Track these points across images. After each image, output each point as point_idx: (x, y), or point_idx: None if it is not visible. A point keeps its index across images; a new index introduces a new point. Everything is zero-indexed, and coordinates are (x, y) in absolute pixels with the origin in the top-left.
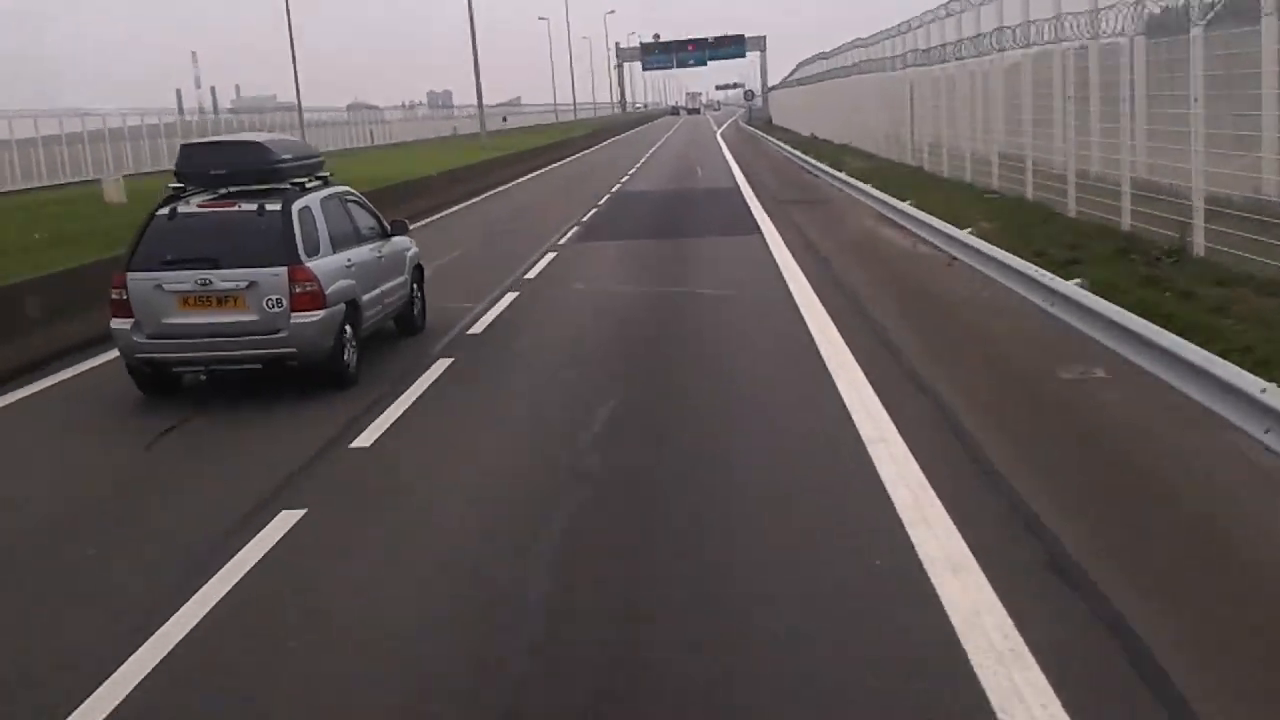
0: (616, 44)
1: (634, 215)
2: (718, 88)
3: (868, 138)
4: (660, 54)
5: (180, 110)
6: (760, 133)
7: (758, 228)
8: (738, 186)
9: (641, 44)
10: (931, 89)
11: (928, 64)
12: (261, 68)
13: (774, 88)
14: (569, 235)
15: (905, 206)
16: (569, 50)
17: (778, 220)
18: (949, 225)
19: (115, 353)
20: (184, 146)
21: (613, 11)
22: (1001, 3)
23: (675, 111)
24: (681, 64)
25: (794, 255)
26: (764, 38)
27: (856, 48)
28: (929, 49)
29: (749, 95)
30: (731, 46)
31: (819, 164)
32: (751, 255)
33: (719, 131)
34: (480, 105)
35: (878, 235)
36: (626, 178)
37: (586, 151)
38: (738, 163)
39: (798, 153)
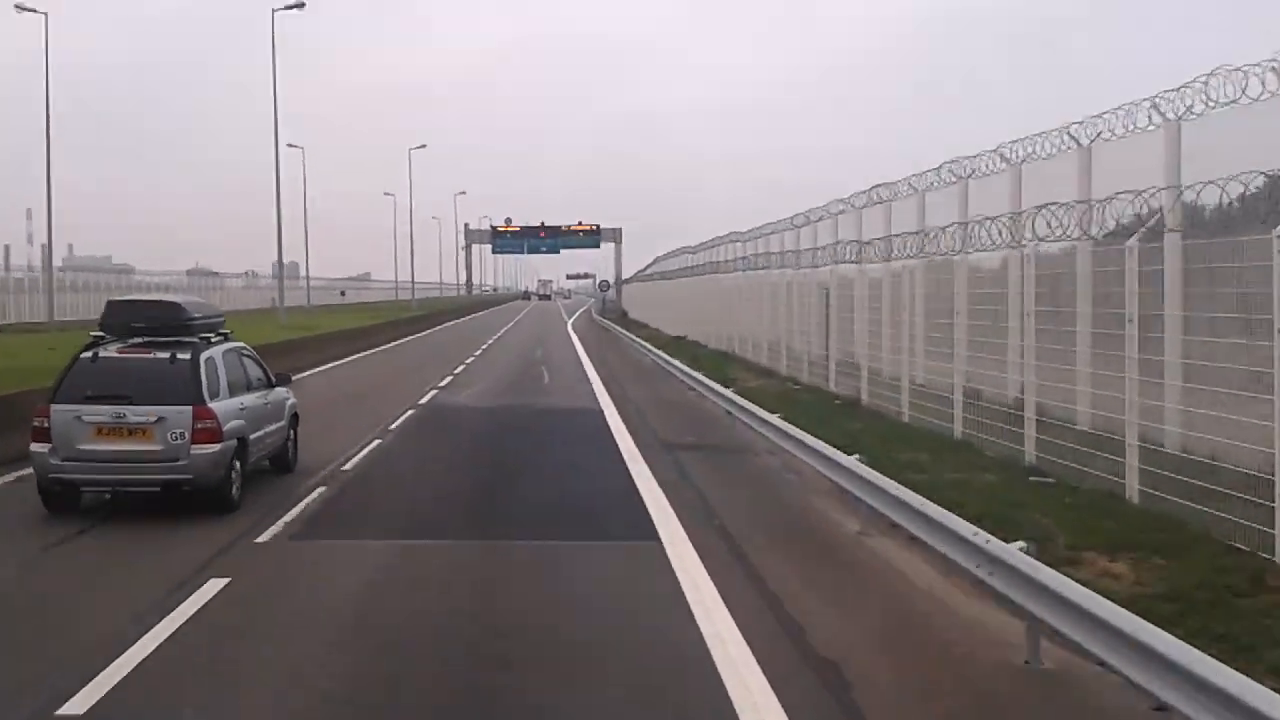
0: (465, 225)
1: (424, 477)
2: (569, 276)
3: (754, 345)
4: (511, 239)
5: (7, 267)
6: (616, 326)
7: (649, 523)
8: (600, 409)
9: (492, 227)
10: (869, 291)
11: (856, 260)
12: (97, 228)
13: (628, 280)
14: (272, 529)
15: (914, 501)
16: (410, 228)
17: (677, 497)
18: (1064, 581)
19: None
20: (110, 303)
21: (463, 192)
22: (966, 185)
23: (526, 296)
24: (533, 250)
25: (758, 658)
26: (619, 230)
27: (732, 241)
28: (868, 241)
29: (604, 286)
30: (586, 236)
31: (708, 381)
32: (663, 652)
33: (570, 322)
34: (280, 278)
35: (896, 571)
36: (445, 382)
37: (411, 338)
38: (596, 369)
39: (671, 360)
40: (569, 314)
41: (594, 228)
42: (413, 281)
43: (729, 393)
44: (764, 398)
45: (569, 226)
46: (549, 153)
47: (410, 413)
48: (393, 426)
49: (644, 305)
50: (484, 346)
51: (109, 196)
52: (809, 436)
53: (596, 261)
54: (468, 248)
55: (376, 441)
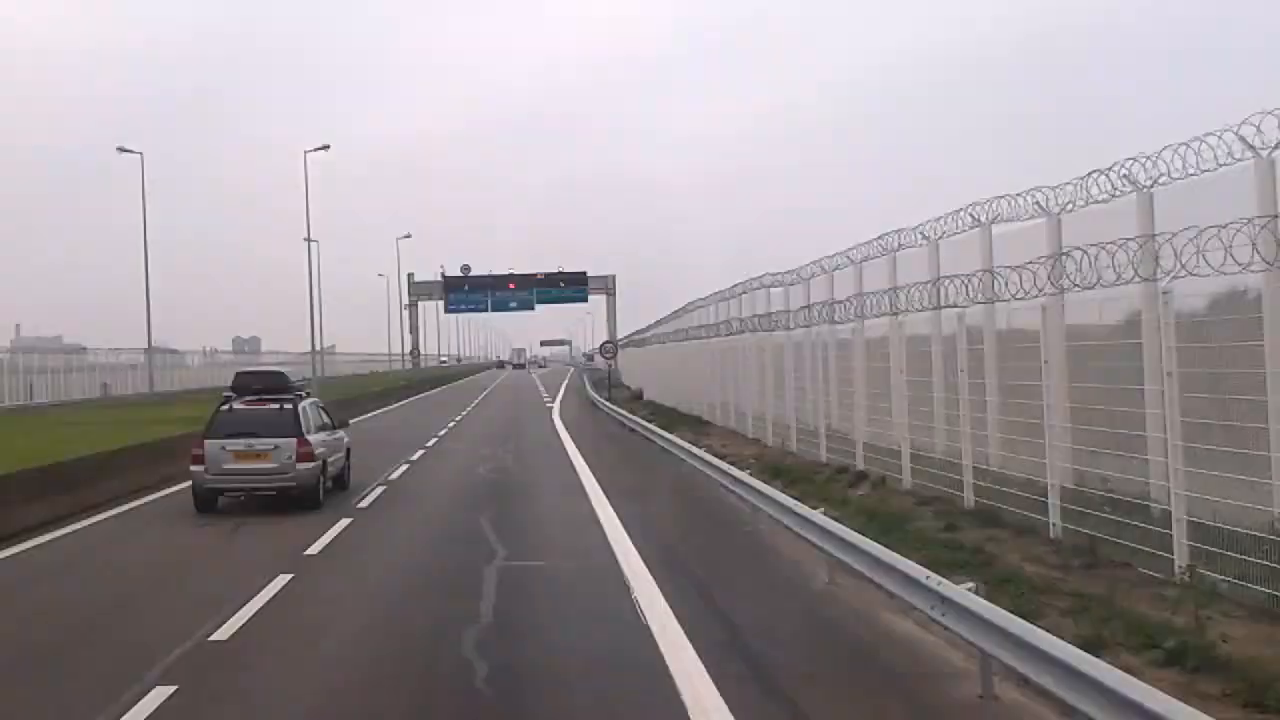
0: (410, 276)
1: None
2: (543, 343)
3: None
4: (470, 292)
5: None
6: (641, 423)
7: None
8: None
9: (444, 276)
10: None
11: None
12: (47, 307)
13: (627, 341)
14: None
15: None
16: (311, 287)
17: None
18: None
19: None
20: (238, 373)
21: (408, 235)
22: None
23: (501, 365)
24: (500, 306)
25: None
26: (612, 277)
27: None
28: None
29: (608, 350)
30: (569, 286)
31: None
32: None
33: (556, 408)
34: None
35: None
36: None
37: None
38: None
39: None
40: (549, 392)
41: (579, 274)
42: (319, 347)
43: None
44: None
45: (545, 274)
46: (504, 214)
47: None
48: None
49: (664, 380)
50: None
51: (59, 275)
52: None
53: (573, 325)
54: (412, 306)
55: None
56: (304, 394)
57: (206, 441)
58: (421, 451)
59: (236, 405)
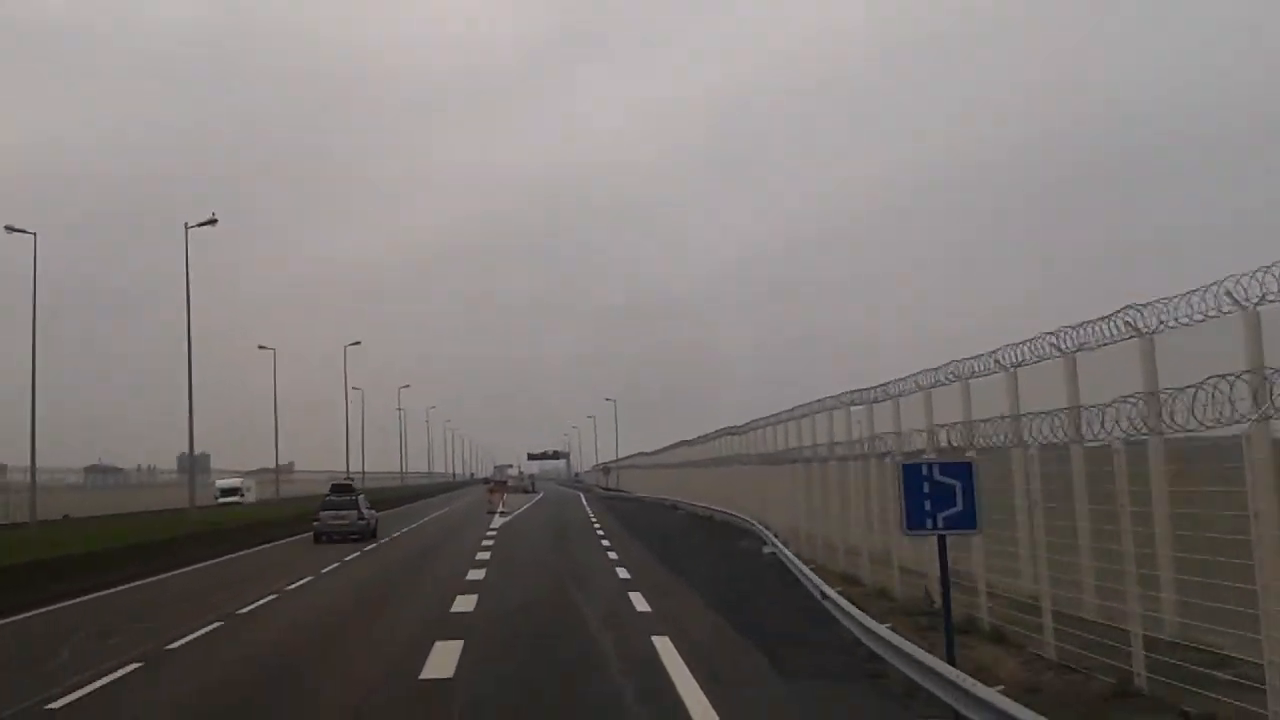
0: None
1: None
2: (531, 457)
3: None
4: None
5: None
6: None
7: None
8: None
9: None
10: None
11: None
12: None
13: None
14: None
15: None
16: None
17: None
18: None
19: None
20: (332, 485)
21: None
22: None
23: (487, 482)
24: None
25: None
26: None
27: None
28: None
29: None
30: None
31: None
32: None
33: None
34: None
35: None
36: None
37: None
38: None
39: None
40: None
41: None
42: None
43: None
44: None
45: None
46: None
47: None
48: None
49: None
50: None
51: None
52: None
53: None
54: None
55: None
56: (360, 493)
57: (321, 512)
58: None
59: (330, 496)
